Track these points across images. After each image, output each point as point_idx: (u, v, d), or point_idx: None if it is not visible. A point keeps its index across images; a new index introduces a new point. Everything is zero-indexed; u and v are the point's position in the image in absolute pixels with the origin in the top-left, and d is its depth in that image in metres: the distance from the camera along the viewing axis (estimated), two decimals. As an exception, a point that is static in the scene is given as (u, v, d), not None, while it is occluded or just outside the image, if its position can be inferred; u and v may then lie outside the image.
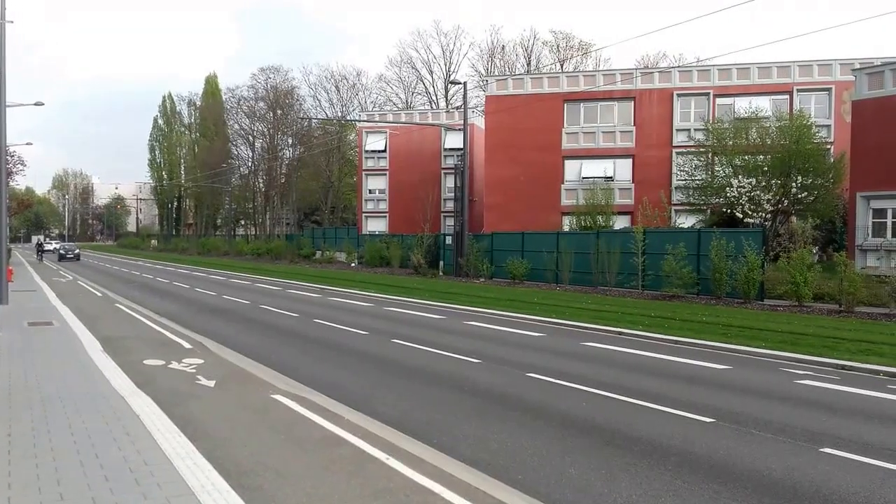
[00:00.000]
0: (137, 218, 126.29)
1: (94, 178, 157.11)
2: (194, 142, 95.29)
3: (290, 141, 74.92)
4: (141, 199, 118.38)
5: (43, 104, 39.01)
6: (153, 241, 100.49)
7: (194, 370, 10.80)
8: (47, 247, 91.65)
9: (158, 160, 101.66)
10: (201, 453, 6.44)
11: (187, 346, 13.39)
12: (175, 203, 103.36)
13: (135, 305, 21.70)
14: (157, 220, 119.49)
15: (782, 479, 6.21)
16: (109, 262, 57.71)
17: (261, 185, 77.42)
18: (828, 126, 34.80)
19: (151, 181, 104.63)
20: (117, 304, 22.13)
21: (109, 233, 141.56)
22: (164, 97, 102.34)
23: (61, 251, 62.00)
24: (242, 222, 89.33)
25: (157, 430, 7.15)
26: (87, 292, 27.46)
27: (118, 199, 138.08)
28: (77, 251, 62.32)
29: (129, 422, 7.51)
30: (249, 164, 78.75)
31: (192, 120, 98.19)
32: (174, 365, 11.23)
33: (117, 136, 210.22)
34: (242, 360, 12.18)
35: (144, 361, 11.49)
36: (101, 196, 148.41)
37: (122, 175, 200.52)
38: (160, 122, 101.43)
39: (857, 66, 28.05)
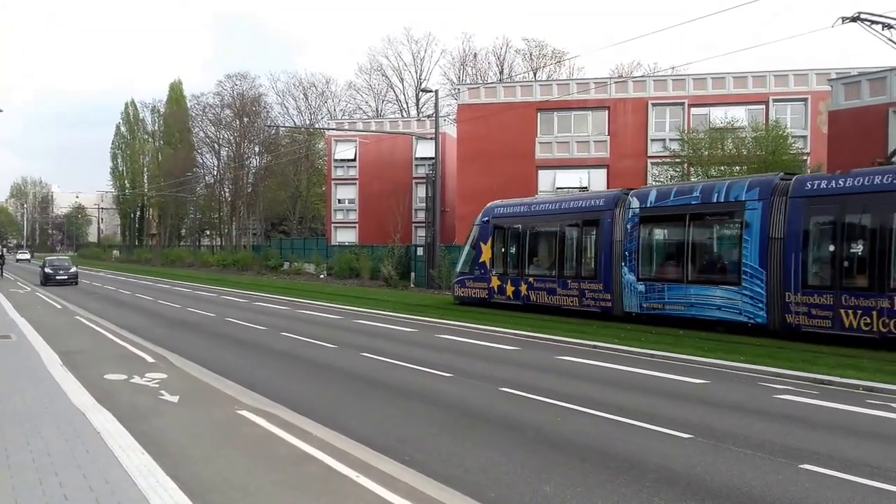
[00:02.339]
0: (99, 228, 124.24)
1: (53, 186, 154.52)
2: (158, 150, 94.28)
3: (257, 149, 74.52)
4: (102, 208, 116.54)
5: (2, 111, 38.43)
6: (115, 251, 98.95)
7: (157, 385, 10.62)
8: (19, 256, 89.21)
9: (121, 168, 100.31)
10: (164, 471, 6.32)
11: (150, 360, 13.18)
12: (138, 213, 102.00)
13: (96, 318, 21.32)
14: (119, 230, 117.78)
15: (761, 495, 6.26)
16: (67, 273, 56.65)
17: (227, 194, 76.78)
18: (804, 137, 35.51)
19: (113, 190, 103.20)
20: (77, 317, 21.75)
21: (70, 243, 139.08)
22: (126, 104, 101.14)
23: (47, 269, 39.51)
24: (208, 232, 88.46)
25: (119, 448, 7.01)
26: (46, 304, 26.94)
27: (79, 209, 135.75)
28: (73, 269, 40.77)
29: (89, 439, 7.36)
30: (215, 173, 78.14)
31: (156, 127, 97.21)
32: (136, 380, 11.04)
33: (78, 144, 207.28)
34: (207, 374, 12.02)
35: (105, 376, 11.28)
36: (62, 205, 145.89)
37: (83, 184, 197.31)
38: (122, 129, 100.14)
39: (834, 76, 28.63)
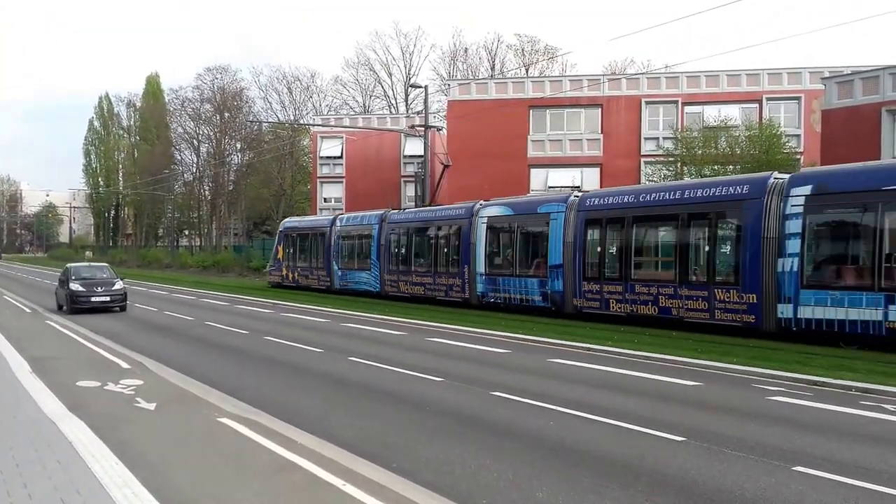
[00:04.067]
0: (71, 228, 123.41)
1: (23, 183, 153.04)
2: (134, 146, 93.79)
3: (238, 146, 74.17)
4: (75, 207, 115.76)
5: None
6: (88, 252, 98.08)
7: (133, 392, 10.57)
8: None
9: (94, 165, 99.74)
10: (140, 482, 6.30)
11: (125, 365, 13.11)
12: (112, 212, 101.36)
13: (68, 322, 21.18)
14: (92, 229, 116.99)
15: (754, 498, 6.33)
16: (40, 275, 56.32)
17: (206, 192, 76.37)
18: (798, 136, 35.80)
19: (86, 188, 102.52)
20: (48, 321, 21.60)
21: (40, 244, 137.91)
22: (100, 97, 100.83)
23: (75, 286, 25.13)
24: (186, 232, 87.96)
25: (92, 457, 6.97)
26: (14, 308, 26.73)
27: (49, 207, 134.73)
28: (120, 285, 26.19)
29: (60, 448, 7.31)
30: (194, 171, 77.67)
31: (132, 122, 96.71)
32: (111, 386, 10.98)
33: (49, 139, 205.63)
34: (186, 380, 11.97)
35: (78, 383, 11.21)
36: (31, 204, 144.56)
37: (55, 181, 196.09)
38: (96, 124, 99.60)
39: (827, 75, 28.93)
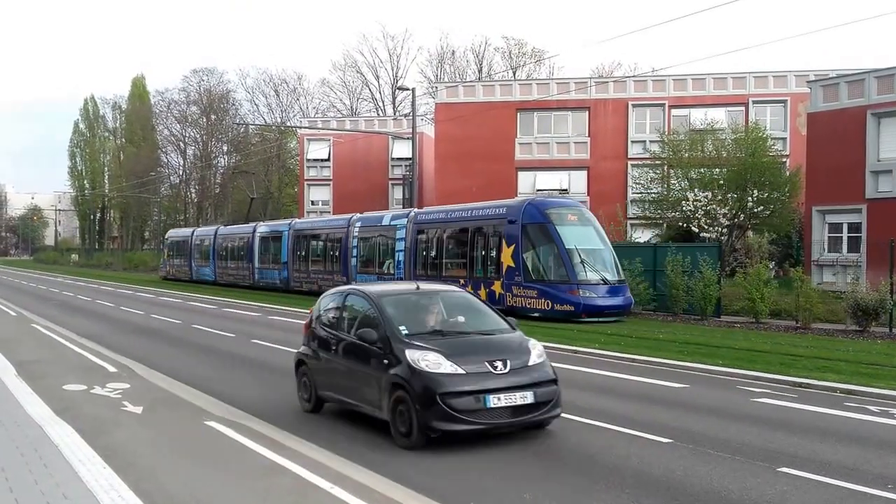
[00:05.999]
0: (56, 230, 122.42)
1: (7, 186, 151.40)
2: (120, 148, 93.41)
3: (225, 148, 74.04)
4: (60, 209, 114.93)
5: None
6: (74, 255, 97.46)
7: (120, 395, 10.52)
8: None
9: (80, 168, 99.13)
10: (128, 485, 6.29)
11: (112, 369, 13.04)
12: (98, 214, 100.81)
13: (54, 326, 21.02)
14: (78, 232, 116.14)
15: (739, 499, 6.39)
16: (25, 278, 55.84)
17: (193, 195, 76.17)
18: (783, 139, 36.12)
19: (72, 191, 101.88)
20: (34, 325, 21.42)
21: (25, 247, 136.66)
22: (85, 99, 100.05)
23: (436, 361, 7.89)
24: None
25: (79, 461, 6.95)
26: (-1, 312, 26.47)
27: (35, 210, 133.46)
28: (537, 354, 8.49)
29: (47, 452, 7.28)
30: (181, 173, 77.45)
31: (118, 124, 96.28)
32: (97, 390, 10.92)
33: (34, 142, 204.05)
34: (173, 384, 11.92)
35: (64, 387, 11.14)
36: (16, 206, 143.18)
37: (40, 184, 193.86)
38: (81, 126, 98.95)
39: (813, 78, 29.20)
